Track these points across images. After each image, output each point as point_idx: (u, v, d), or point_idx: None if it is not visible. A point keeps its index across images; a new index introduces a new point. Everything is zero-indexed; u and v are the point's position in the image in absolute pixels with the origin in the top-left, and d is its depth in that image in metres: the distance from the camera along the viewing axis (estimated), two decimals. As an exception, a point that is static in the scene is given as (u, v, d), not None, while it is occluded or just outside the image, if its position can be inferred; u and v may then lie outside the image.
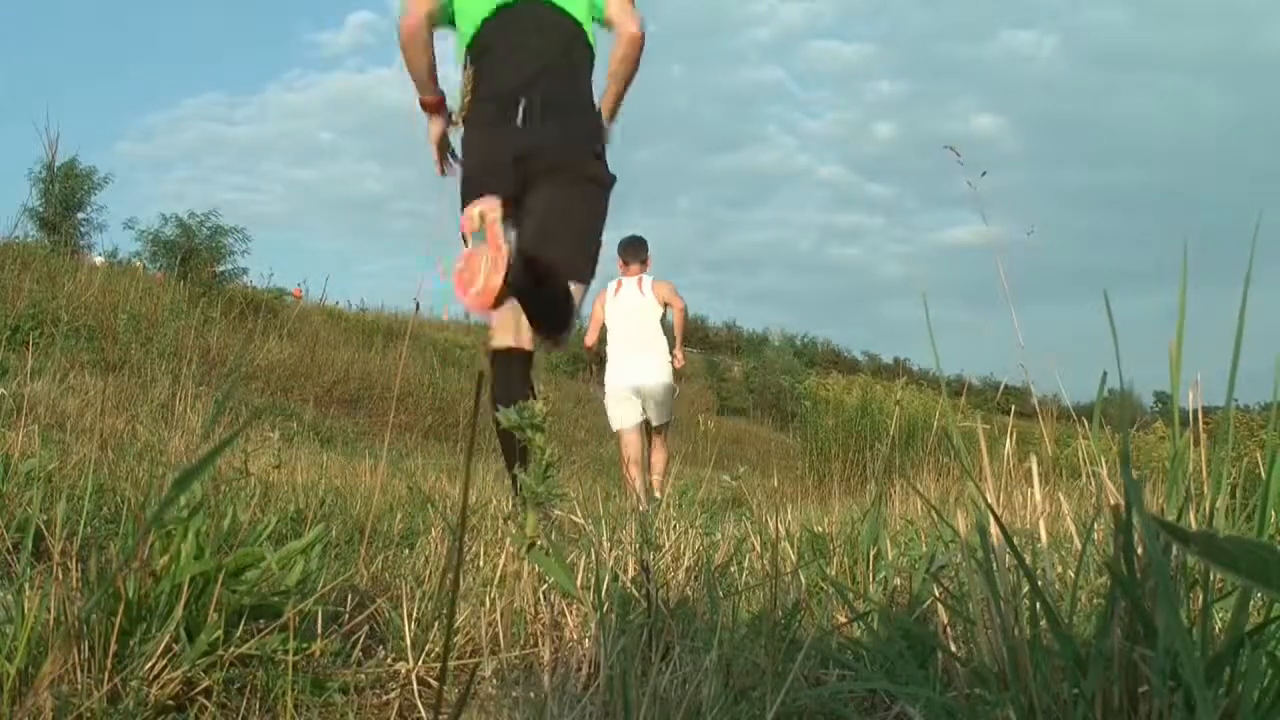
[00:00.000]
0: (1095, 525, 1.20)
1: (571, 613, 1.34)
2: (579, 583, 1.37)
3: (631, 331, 5.54)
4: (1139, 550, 0.84)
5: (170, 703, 1.07)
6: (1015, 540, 0.97)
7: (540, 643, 1.29)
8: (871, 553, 1.71)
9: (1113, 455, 1.12)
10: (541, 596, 1.43)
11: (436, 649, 1.30)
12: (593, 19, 2.36)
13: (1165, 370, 0.96)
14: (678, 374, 5.74)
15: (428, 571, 1.69)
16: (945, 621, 1.18)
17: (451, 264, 1.88)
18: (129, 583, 1.08)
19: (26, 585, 1.14)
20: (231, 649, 1.12)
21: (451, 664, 1.32)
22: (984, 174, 1.60)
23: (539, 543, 1.41)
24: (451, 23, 2.39)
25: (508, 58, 2.26)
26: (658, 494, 4.64)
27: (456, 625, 1.37)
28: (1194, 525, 0.99)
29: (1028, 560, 0.96)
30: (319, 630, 1.22)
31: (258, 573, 1.21)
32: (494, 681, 1.24)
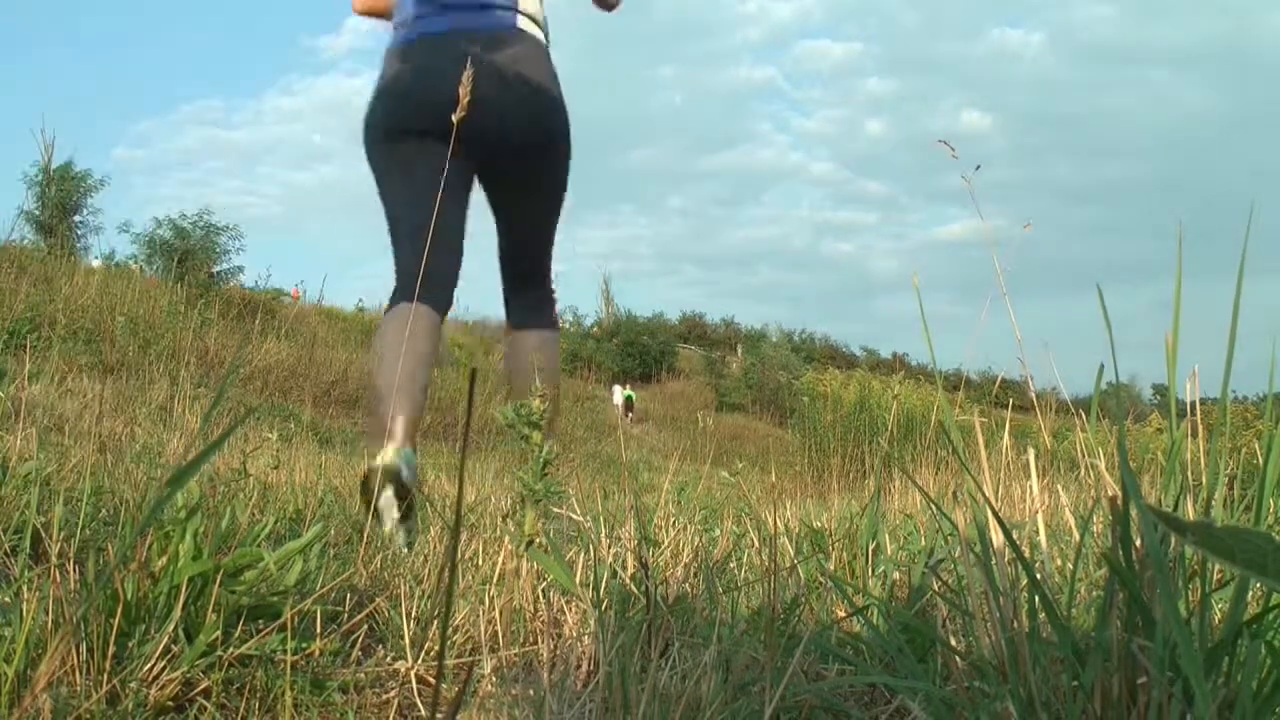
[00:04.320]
0: (1093, 517, 1.20)
1: (570, 610, 1.34)
2: (578, 580, 1.37)
3: None
4: (1137, 542, 0.84)
5: (169, 704, 1.07)
6: (1013, 533, 0.97)
7: (539, 640, 1.29)
8: (870, 547, 1.71)
9: (1110, 448, 1.12)
10: (540, 594, 1.43)
11: (436, 647, 1.30)
12: None
13: (1163, 362, 0.96)
14: None
15: (427, 570, 1.69)
16: (945, 615, 1.19)
17: None
18: (127, 584, 1.08)
19: (25, 587, 1.14)
20: (230, 649, 1.12)
21: (450, 662, 1.32)
22: (978, 168, 1.60)
23: (537, 540, 1.41)
24: None
25: None
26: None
27: (455, 623, 1.37)
28: (1191, 516, 0.99)
29: (1026, 553, 0.96)
30: (318, 630, 1.21)
31: (256, 573, 1.21)
32: (493, 679, 1.24)
